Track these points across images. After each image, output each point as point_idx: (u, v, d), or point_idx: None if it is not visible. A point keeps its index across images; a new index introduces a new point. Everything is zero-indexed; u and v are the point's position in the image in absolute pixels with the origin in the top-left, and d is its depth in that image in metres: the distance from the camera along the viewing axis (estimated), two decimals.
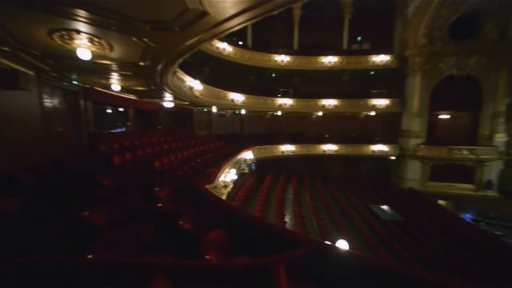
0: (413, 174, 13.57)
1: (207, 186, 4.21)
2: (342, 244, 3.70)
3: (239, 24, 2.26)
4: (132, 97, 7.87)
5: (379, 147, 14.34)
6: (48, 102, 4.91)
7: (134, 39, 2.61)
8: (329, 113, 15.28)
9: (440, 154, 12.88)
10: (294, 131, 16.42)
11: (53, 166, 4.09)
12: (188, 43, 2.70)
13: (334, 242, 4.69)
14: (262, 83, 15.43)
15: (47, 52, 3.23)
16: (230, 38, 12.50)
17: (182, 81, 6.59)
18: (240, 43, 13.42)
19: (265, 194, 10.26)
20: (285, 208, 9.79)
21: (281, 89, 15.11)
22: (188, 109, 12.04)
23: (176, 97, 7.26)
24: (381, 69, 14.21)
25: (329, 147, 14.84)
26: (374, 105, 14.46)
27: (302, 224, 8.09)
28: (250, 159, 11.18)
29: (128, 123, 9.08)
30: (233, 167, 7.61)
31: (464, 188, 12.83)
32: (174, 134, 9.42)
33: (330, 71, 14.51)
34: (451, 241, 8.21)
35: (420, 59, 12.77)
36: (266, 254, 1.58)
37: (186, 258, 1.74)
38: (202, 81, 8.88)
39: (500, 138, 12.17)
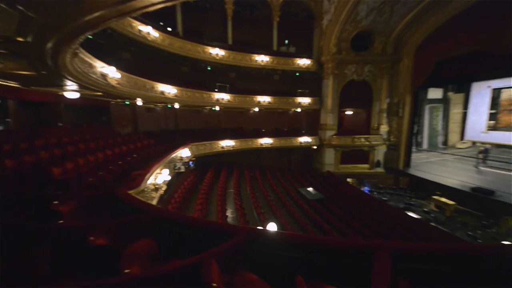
0: (329, 160, 16.54)
1: (131, 192, 3.67)
2: (272, 227, 4.08)
3: (153, 4, 2.01)
4: (12, 84, 5.82)
5: (305, 139, 16.56)
6: None
7: (3, 5, 1.91)
8: (264, 109, 16.29)
9: (347, 142, 16.23)
10: (233, 126, 16.60)
11: None
12: (87, 18, 2.18)
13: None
14: (198, 76, 14.68)
15: None
16: (156, 22, 11.17)
17: (91, 66, 5.37)
18: (169, 29, 12.20)
19: (206, 191, 10.01)
20: (226, 203, 9.87)
21: (217, 84, 14.85)
22: (103, 101, 9.95)
23: (82, 86, 5.86)
24: (304, 71, 16.23)
25: (266, 141, 15.90)
26: (299, 103, 16.48)
27: (242, 216, 8.40)
28: (187, 157, 10.53)
29: (8, 120, 6.71)
30: (166, 167, 6.93)
31: (363, 167, 16.66)
32: (83, 133, 7.56)
33: (263, 70, 15.38)
34: (356, 209, 10.53)
35: (332, 65, 15.41)
36: (202, 251, 1.56)
37: (101, 278, 1.49)
38: (120, 68, 7.57)
39: (384, 128, 16.40)
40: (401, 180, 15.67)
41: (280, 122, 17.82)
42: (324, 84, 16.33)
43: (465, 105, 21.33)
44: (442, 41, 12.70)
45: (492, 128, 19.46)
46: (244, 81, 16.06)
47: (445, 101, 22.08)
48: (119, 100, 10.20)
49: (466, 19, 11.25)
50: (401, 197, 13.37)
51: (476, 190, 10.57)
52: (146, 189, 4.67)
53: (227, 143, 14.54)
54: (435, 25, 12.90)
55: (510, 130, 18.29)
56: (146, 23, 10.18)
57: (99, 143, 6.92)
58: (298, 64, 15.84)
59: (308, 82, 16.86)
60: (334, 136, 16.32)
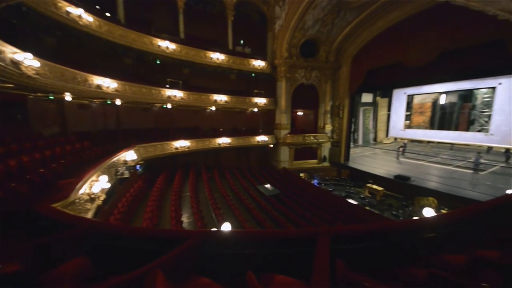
0: (284, 157, 17.61)
1: (56, 205, 3.05)
2: (226, 227, 4.07)
3: None
4: None
5: (262, 138, 17.13)
6: None
7: None
8: (221, 108, 16.02)
9: (299, 140, 17.60)
10: (188, 125, 15.73)
11: None
12: None
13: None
14: (146, 70, 13.26)
15: None
16: (91, 6, 9.63)
17: None
18: (108, 14, 10.67)
19: (157, 198, 9.21)
20: (182, 207, 9.33)
21: (169, 79, 13.78)
22: (17, 95, 7.91)
23: None
24: (259, 73, 16.70)
25: (224, 140, 15.68)
26: (256, 103, 16.90)
27: (200, 219, 8.09)
28: (132, 160, 9.43)
29: None
30: (105, 173, 6.01)
31: (312, 162, 18.37)
32: None
33: (219, 68, 15.07)
34: (307, 201, 11.49)
35: (284, 68, 16.38)
36: (149, 262, 1.42)
37: None
38: (42, 56, 6.25)
39: (328, 128, 18.41)
40: (343, 172, 17.94)
41: (238, 122, 17.89)
42: (278, 86, 17.21)
43: (389, 108, 26.03)
44: (371, 53, 15.08)
45: (407, 126, 24.39)
46: (199, 78, 15.41)
47: (374, 104, 26.39)
48: (39, 94, 8.31)
49: (388, 37, 13.68)
50: (343, 187, 15.30)
51: (397, 177, 13.01)
52: (78, 200, 3.93)
53: (181, 144, 13.70)
54: (366, 39, 15.20)
55: (420, 128, 23.32)
56: (77, 5, 8.64)
57: (10, 148, 5.48)
58: (254, 65, 16.16)
59: (264, 83, 17.43)
60: (288, 135, 17.44)
